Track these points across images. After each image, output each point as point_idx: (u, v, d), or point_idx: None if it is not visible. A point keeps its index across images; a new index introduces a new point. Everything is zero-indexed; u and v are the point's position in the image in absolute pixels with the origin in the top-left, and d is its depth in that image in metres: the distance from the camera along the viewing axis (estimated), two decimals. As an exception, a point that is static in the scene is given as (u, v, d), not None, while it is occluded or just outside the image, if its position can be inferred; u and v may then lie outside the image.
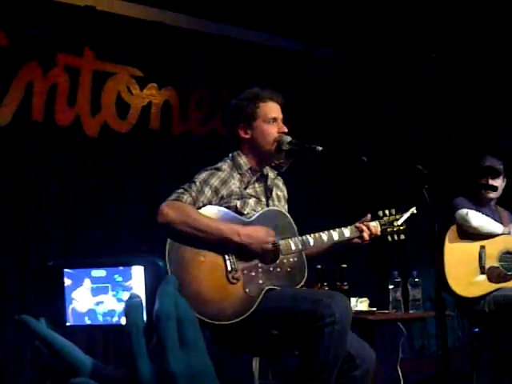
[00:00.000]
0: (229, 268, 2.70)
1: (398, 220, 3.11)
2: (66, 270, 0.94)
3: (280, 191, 3.08)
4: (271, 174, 3.02)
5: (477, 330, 4.14)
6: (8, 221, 4.37)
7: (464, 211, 4.05)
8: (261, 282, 2.74)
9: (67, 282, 0.92)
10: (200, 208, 2.74)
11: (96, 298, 0.93)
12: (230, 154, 2.96)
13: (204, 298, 2.63)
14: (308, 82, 5.71)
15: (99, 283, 0.94)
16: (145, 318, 0.85)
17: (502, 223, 4.16)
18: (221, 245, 2.68)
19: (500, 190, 4.22)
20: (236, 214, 2.80)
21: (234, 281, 2.70)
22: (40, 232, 4.49)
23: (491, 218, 4.13)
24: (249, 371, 2.94)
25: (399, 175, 5.08)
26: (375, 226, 3.05)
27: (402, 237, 3.12)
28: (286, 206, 3.09)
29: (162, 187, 4.76)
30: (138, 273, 0.93)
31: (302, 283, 2.88)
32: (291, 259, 2.85)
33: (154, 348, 0.84)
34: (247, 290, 2.71)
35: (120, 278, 0.93)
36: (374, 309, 3.71)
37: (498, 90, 6.08)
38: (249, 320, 2.68)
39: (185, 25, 5.15)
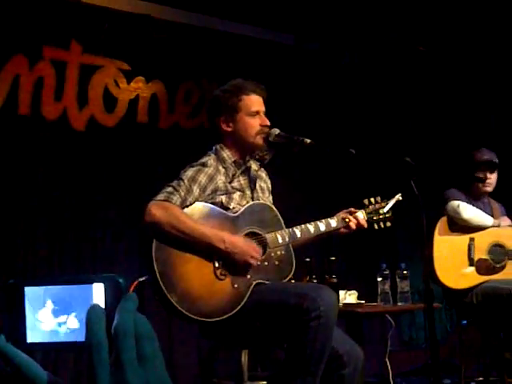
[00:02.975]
0: (216, 264, 2.69)
1: (383, 208, 3.10)
2: (26, 287, 0.94)
3: (264, 183, 3.06)
4: (254, 166, 3.00)
5: (465, 322, 4.16)
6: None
7: (455, 203, 4.06)
8: (249, 276, 2.73)
9: (28, 299, 0.92)
10: (187, 206, 2.72)
11: (58, 318, 0.93)
12: (214, 148, 2.94)
13: (193, 296, 2.61)
14: (296, 75, 5.70)
15: (60, 302, 0.94)
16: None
17: (493, 216, 4.17)
18: (205, 250, 2.66)
19: (495, 183, 4.24)
20: (221, 210, 2.79)
21: (222, 277, 2.69)
22: (26, 229, 4.47)
23: (483, 210, 4.14)
24: (238, 364, 2.94)
25: (387, 167, 5.08)
26: (362, 217, 3.03)
27: (388, 224, 3.10)
28: (271, 198, 3.08)
29: (150, 181, 4.76)
30: (98, 290, 0.93)
31: (291, 276, 2.88)
32: (278, 252, 2.84)
33: (113, 362, 0.84)
34: (236, 286, 2.70)
35: (80, 296, 0.93)
36: (363, 301, 3.73)
37: (490, 81, 6.09)
38: (237, 315, 2.67)
39: (172, 18, 5.12)
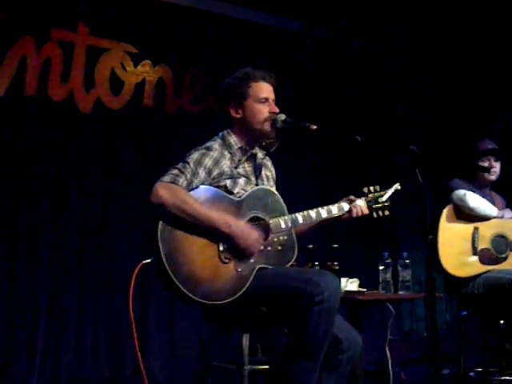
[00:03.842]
0: (221, 248, 2.70)
1: (382, 196, 3.13)
2: None
3: (269, 171, 3.08)
4: (260, 154, 3.03)
5: (465, 312, 4.17)
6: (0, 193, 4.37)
7: (461, 192, 4.06)
8: (252, 261, 2.74)
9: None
10: (193, 189, 2.73)
11: None
12: (220, 133, 2.96)
13: (197, 278, 2.62)
14: (304, 62, 5.69)
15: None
16: None
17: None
18: (211, 233, 2.68)
19: (499, 172, 4.24)
20: (226, 194, 2.80)
21: (226, 260, 2.70)
22: (31, 210, 4.48)
23: (488, 200, 4.14)
24: (238, 348, 2.96)
25: (393, 155, 5.09)
26: (362, 204, 3.06)
27: (387, 213, 3.12)
28: (275, 187, 3.09)
29: (155, 164, 4.77)
30: None
31: (293, 261, 2.89)
32: (281, 238, 2.85)
33: None
34: (239, 270, 2.71)
35: None
36: (364, 289, 3.74)
37: (493, 73, 6.08)
38: (240, 298, 2.68)
39: (180, 2, 5.10)
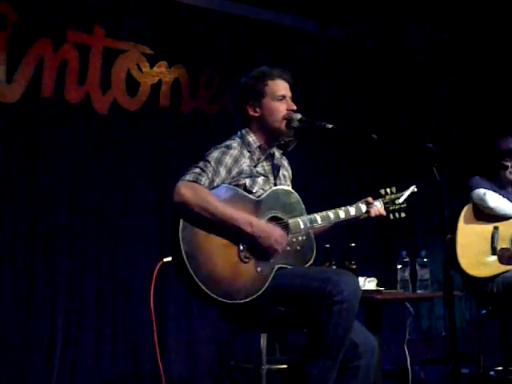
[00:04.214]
0: (241, 247, 2.70)
1: (399, 198, 3.13)
2: None
3: (286, 171, 3.08)
4: (277, 154, 3.03)
5: (484, 311, 4.14)
6: (18, 195, 4.40)
7: (481, 191, 4.03)
8: (272, 260, 2.74)
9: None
10: (213, 188, 2.73)
11: None
12: (239, 132, 2.96)
13: (217, 276, 2.62)
14: (319, 61, 5.68)
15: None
16: None
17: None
18: (232, 232, 2.67)
19: None
20: (245, 193, 2.80)
21: (246, 260, 2.70)
22: (48, 211, 4.51)
23: (507, 199, 4.11)
24: (256, 347, 2.96)
25: (410, 154, 5.06)
26: (380, 206, 3.07)
27: (403, 215, 3.13)
28: (291, 186, 3.09)
29: (172, 165, 4.78)
30: None
31: (311, 261, 2.89)
32: (300, 238, 2.86)
33: None
34: (259, 269, 2.71)
35: None
36: (382, 288, 3.72)
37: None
38: (259, 298, 2.68)
39: (195, 2, 5.12)
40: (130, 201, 4.78)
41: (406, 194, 3.14)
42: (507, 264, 4.01)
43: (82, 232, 4.62)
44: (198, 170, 2.72)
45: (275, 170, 2.98)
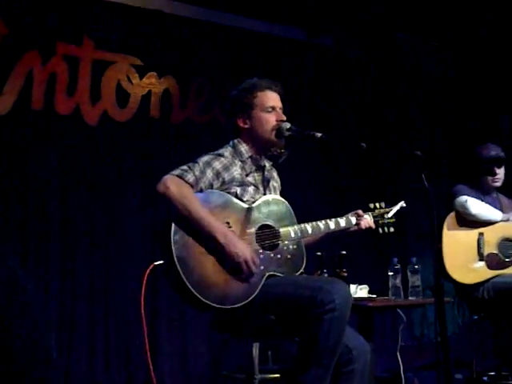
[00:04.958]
0: None
1: (388, 213, 3.18)
2: None
3: (275, 182, 3.10)
4: (268, 165, 3.05)
5: (476, 317, 4.15)
6: (7, 210, 4.38)
7: (463, 198, 4.05)
8: (262, 267, 2.75)
9: None
10: (202, 190, 2.76)
11: None
12: (231, 142, 2.98)
13: (208, 282, 2.63)
14: (308, 70, 5.70)
15: None
16: None
17: (502, 210, 4.16)
18: (206, 238, 2.67)
19: (503, 176, 4.24)
20: (237, 200, 2.82)
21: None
22: (39, 223, 4.50)
23: (492, 205, 4.13)
24: (248, 357, 2.95)
25: (398, 161, 5.08)
26: (370, 219, 3.10)
27: (392, 230, 3.19)
28: None
29: (162, 175, 4.76)
30: None
31: (302, 270, 2.90)
32: (291, 246, 2.87)
33: None
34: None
35: None
36: (374, 296, 3.73)
37: (498, 76, 6.07)
38: (250, 305, 2.69)
39: (184, 13, 5.13)
40: (121, 211, 4.78)
41: (395, 209, 3.20)
42: (496, 269, 4.03)
43: (74, 241, 4.61)
44: (185, 167, 2.77)
45: (265, 181, 2.99)
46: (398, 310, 4.07)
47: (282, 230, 2.85)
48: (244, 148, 2.95)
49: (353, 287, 3.73)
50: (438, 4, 5.37)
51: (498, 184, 4.23)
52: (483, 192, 4.19)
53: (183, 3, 5.12)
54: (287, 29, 5.61)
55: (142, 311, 2.78)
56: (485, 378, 4.27)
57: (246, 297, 2.68)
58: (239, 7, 5.28)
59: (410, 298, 3.74)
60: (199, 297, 2.59)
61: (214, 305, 2.62)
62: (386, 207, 3.20)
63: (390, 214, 3.18)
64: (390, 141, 5.84)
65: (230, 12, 5.31)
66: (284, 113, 2.98)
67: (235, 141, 2.97)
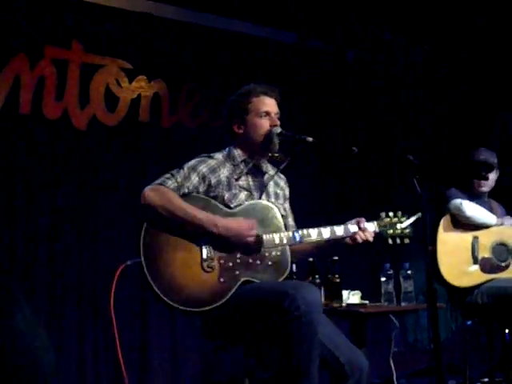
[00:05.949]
0: (204, 256, 2.69)
1: (401, 223, 2.99)
2: None
3: (280, 190, 3.07)
4: (271, 171, 3.03)
5: (469, 322, 4.13)
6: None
7: (458, 201, 4.04)
8: (237, 272, 2.72)
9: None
10: (185, 194, 2.76)
11: None
12: (227, 147, 2.99)
13: (176, 284, 2.64)
14: (299, 73, 5.67)
15: None
16: None
17: (493, 215, 4.15)
18: (197, 234, 2.68)
19: (492, 183, 4.23)
20: (219, 204, 2.80)
21: (209, 269, 2.69)
22: (27, 228, 4.44)
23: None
24: (240, 364, 2.91)
25: (390, 166, 5.06)
26: (372, 229, 2.94)
27: (407, 241, 3.00)
28: (287, 205, 3.09)
29: (152, 180, 4.72)
30: None
31: (283, 277, 2.80)
32: (273, 253, 2.80)
33: None
34: (221, 280, 2.69)
35: None
36: (367, 301, 3.70)
37: (491, 80, 6.07)
38: (222, 310, 2.66)
39: (174, 16, 5.10)
40: (111, 216, 4.72)
41: (411, 220, 2.99)
42: (490, 273, 4.01)
43: (64, 247, 4.55)
44: (168, 175, 2.79)
45: (262, 186, 2.96)
46: (391, 316, 4.04)
47: (265, 235, 2.79)
48: (238, 153, 2.94)
49: (345, 293, 3.71)
50: (431, 5, 5.35)
51: (485, 189, 4.22)
52: (474, 196, 4.18)
53: (173, 6, 5.08)
54: (277, 31, 5.58)
55: (112, 309, 2.79)
56: (478, 384, 4.26)
57: (213, 301, 2.65)
58: (229, 10, 5.25)
59: (402, 304, 3.71)
60: (165, 299, 2.61)
61: (181, 307, 2.62)
62: (401, 217, 3.00)
63: (403, 225, 2.98)
64: (382, 145, 5.81)
65: (219, 15, 5.28)
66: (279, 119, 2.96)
67: (231, 146, 2.97)
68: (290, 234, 2.84)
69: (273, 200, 2.98)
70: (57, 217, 4.56)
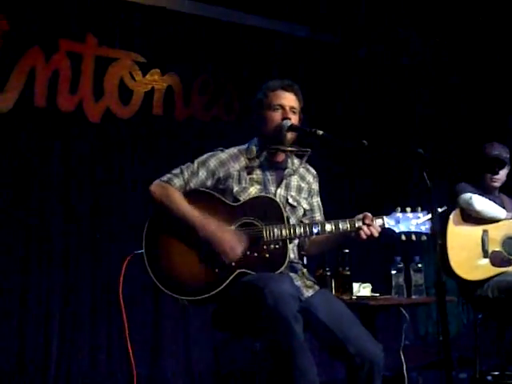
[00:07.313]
0: (202, 247, 2.76)
1: (417, 218, 2.89)
2: None
3: (306, 184, 3.07)
4: (296, 164, 3.05)
5: (480, 316, 4.13)
6: (10, 208, 4.37)
7: (468, 195, 4.04)
8: (233, 264, 2.74)
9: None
10: (192, 190, 2.84)
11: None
12: (250, 141, 3.04)
13: (174, 274, 2.74)
14: (312, 68, 5.67)
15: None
16: None
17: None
18: (190, 233, 2.74)
19: (504, 178, 4.22)
20: (222, 197, 2.85)
21: (207, 260, 2.75)
22: (42, 220, 4.49)
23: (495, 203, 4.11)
24: (252, 354, 2.94)
25: (401, 159, 5.05)
26: (380, 223, 2.87)
27: (424, 238, 2.88)
28: (314, 200, 3.09)
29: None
30: None
31: (280, 270, 2.77)
32: (272, 246, 2.80)
33: None
34: (217, 270, 2.73)
35: None
36: (377, 294, 3.72)
37: (504, 74, 6.04)
38: (218, 300, 2.74)
39: (187, 10, 5.11)
40: (124, 209, 4.75)
41: (426, 217, 2.86)
42: (500, 266, 4.01)
43: (78, 240, 4.61)
44: (176, 171, 2.88)
45: (280, 179, 2.97)
46: (401, 309, 4.05)
47: (265, 228, 2.80)
48: (255, 146, 2.98)
49: (356, 286, 3.72)
50: (446, 1, 5.34)
51: (497, 184, 4.21)
52: (485, 191, 4.17)
53: (186, 0, 5.10)
54: (291, 25, 5.59)
55: (121, 297, 2.88)
56: (489, 378, 4.25)
57: (207, 290, 2.72)
58: (242, 4, 5.26)
59: (412, 297, 3.72)
60: (160, 286, 2.72)
61: (174, 295, 2.72)
62: (419, 213, 2.88)
63: (419, 221, 2.87)
64: (395, 139, 5.81)
65: (232, 8, 5.29)
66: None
67: (253, 140, 3.02)
68: (292, 227, 2.81)
69: (292, 193, 2.98)
70: (72, 208, 4.60)
